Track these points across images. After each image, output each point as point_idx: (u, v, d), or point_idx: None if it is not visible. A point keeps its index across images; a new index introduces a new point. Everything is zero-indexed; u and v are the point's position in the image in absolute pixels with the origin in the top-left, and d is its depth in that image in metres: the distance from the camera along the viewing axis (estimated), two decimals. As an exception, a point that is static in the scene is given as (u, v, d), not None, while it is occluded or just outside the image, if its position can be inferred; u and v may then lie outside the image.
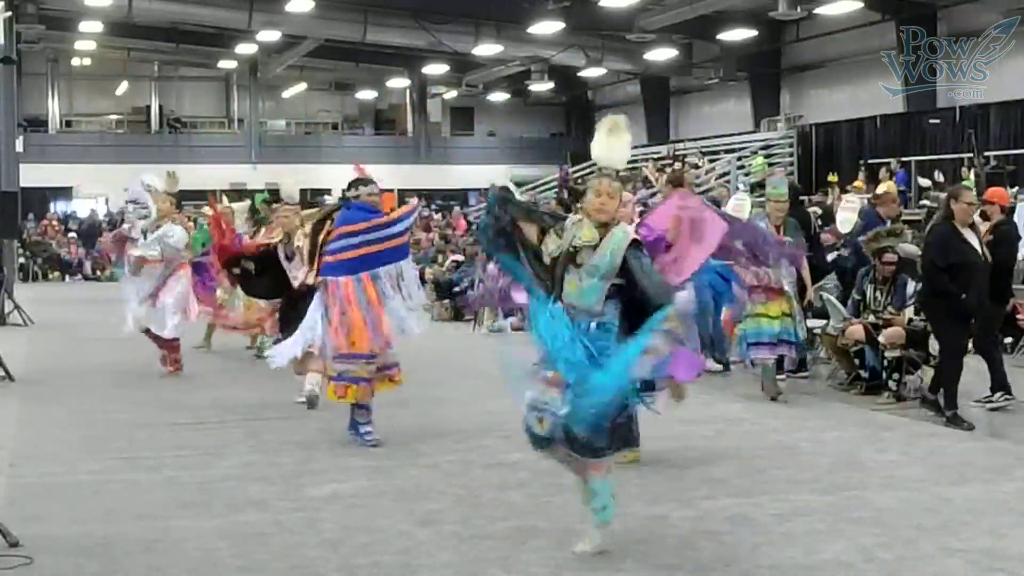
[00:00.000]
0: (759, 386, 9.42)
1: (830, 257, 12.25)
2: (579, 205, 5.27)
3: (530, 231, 5.14)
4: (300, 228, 8.61)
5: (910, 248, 10.56)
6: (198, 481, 6.66)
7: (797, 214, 10.47)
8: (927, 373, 9.50)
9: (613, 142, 5.20)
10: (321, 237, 7.65)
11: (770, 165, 25.27)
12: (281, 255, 8.82)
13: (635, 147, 32.14)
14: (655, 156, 29.72)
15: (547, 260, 5.07)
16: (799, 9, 22.65)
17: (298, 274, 8.49)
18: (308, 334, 7.63)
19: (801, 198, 11.66)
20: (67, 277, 29.27)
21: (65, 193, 35.45)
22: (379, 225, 7.48)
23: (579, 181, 30.08)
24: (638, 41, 27.40)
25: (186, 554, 5.24)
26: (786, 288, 9.04)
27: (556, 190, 30.23)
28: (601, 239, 5.02)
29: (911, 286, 9.78)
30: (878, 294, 9.82)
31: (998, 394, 8.90)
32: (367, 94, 39.00)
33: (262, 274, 8.89)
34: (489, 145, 39.01)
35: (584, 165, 32.86)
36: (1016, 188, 17.11)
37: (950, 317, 8.36)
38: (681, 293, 5.28)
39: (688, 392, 6.43)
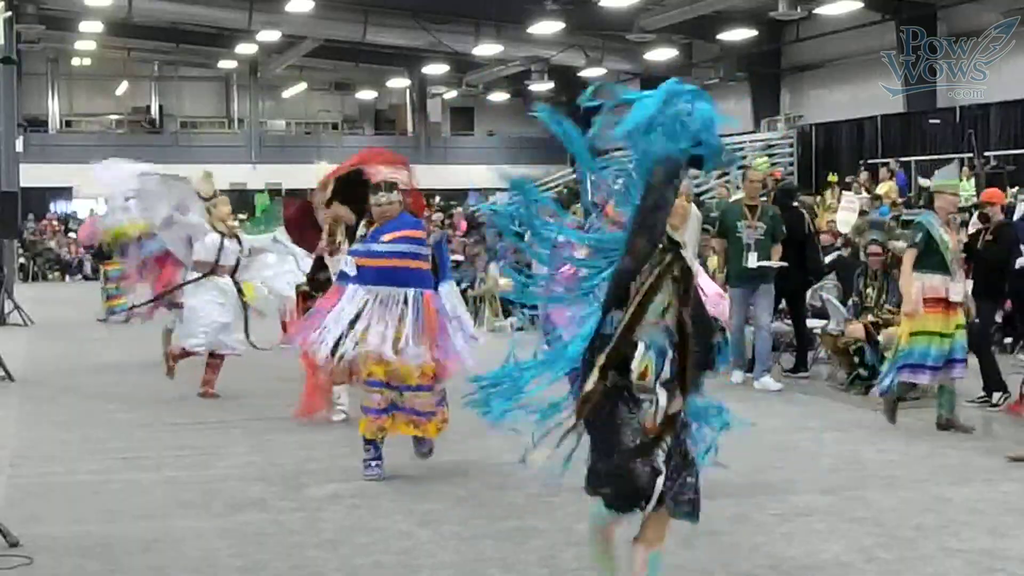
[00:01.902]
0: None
1: (829, 258, 12.28)
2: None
3: None
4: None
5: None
6: (198, 481, 6.66)
7: (790, 216, 10.51)
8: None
9: None
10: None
11: (771, 165, 25.30)
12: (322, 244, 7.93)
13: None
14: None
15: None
16: (799, 9, 22.66)
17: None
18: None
19: (796, 200, 11.58)
20: (67, 277, 29.27)
21: (65, 193, 35.44)
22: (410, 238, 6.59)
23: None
24: (638, 41, 27.40)
25: (186, 554, 5.24)
26: (961, 299, 7.95)
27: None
28: None
29: None
30: (869, 290, 9.83)
31: (997, 395, 8.91)
32: (367, 94, 39.00)
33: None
34: (489, 145, 39.02)
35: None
36: (1016, 188, 17.12)
37: None
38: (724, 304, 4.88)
39: None
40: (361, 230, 6.74)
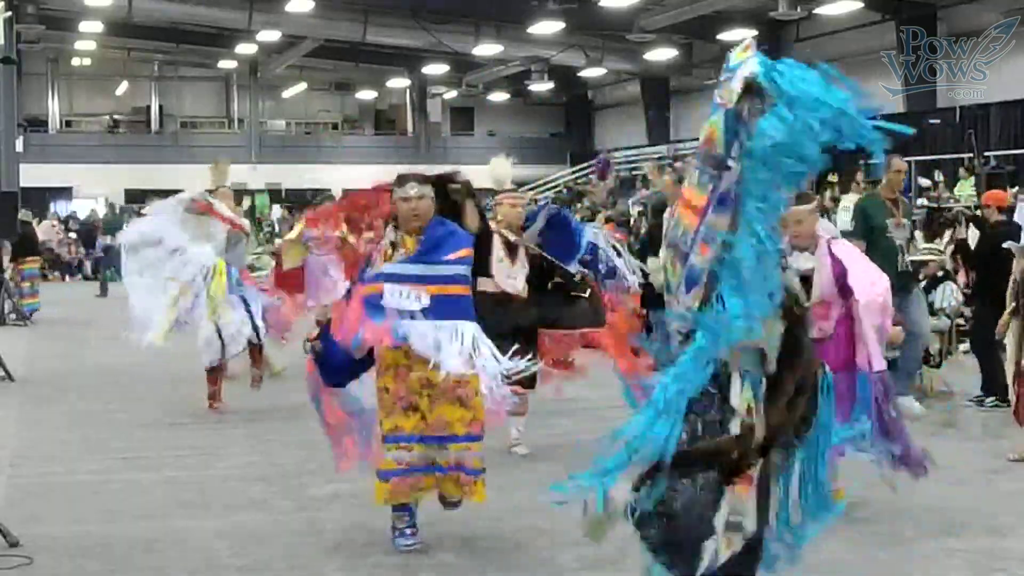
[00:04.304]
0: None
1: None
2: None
3: None
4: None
5: None
6: (198, 481, 6.67)
7: None
8: (927, 373, 9.50)
9: None
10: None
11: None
12: (501, 253, 6.74)
13: (635, 147, 32.29)
14: (655, 156, 29.73)
15: None
16: (799, 9, 22.66)
17: (516, 281, 6.87)
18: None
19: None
20: (67, 277, 29.24)
21: (65, 193, 35.43)
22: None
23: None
24: (638, 41, 27.40)
25: (186, 554, 5.24)
26: None
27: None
28: None
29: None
30: None
31: (990, 399, 8.89)
32: (367, 94, 38.98)
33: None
34: (489, 145, 38.93)
35: (584, 166, 32.92)
36: (1016, 188, 17.12)
37: None
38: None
39: None
40: (392, 236, 5.29)
